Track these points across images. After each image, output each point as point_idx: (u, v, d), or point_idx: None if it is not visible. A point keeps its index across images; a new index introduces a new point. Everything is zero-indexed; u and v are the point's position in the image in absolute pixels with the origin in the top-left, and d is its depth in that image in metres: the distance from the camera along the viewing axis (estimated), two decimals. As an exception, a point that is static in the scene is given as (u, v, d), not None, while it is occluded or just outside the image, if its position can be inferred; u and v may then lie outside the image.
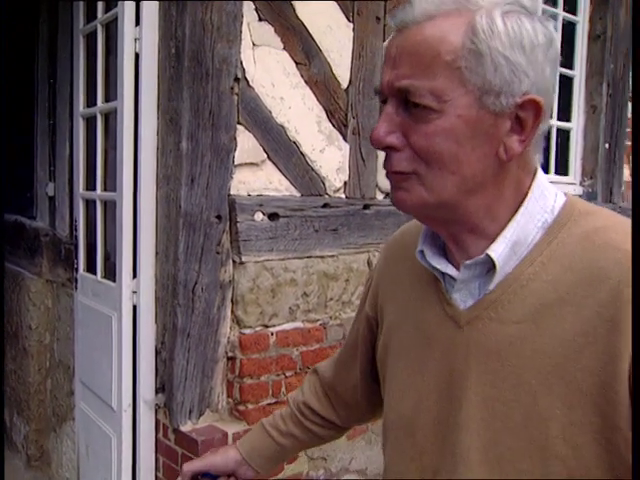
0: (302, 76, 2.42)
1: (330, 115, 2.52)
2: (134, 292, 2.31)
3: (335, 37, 2.49)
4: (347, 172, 2.60)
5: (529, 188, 0.79)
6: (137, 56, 2.23)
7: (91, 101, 2.64)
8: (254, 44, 2.27)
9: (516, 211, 0.79)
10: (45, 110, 3.27)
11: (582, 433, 0.72)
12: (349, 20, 2.53)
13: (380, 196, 2.72)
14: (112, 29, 2.45)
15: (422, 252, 0.86)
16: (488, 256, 0.78)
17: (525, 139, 0.75)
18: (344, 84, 2.55)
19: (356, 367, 1.12)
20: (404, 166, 0.77)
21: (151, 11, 2.20)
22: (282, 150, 2.39)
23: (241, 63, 2.24)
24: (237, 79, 2.23)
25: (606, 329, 0.71)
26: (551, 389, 0.73)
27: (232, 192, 2.26)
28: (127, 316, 2.32)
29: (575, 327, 0.73)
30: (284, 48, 2.35)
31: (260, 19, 2.28)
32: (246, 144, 2.28)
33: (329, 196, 2.54)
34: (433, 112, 0.73)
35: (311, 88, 2.45)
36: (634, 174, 0.86)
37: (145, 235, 2.27)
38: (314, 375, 1.25)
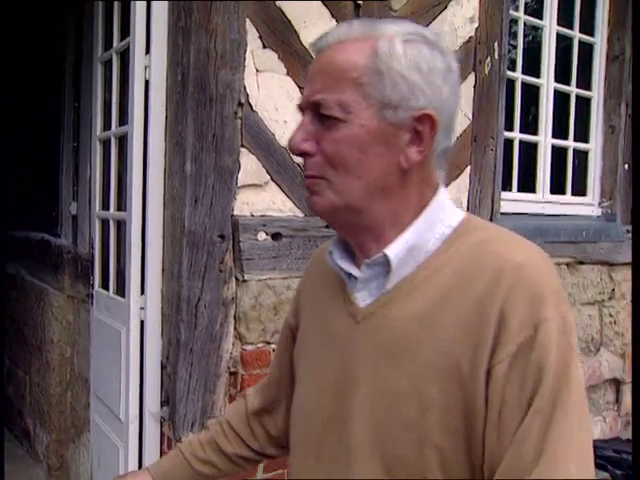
0: (306, 100, 2.49)
1: (334, 137, 2.58)
2: (142, 308, 2.40)
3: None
4: (351, 193, 2.65)
5: (430, 200, 0.89)
6: (147, 83, 2.35)
7: (107, 125, 2.77)
8: (258, 70, 2.36)
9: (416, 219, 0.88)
10: (70, 133, 3.43)
11: (456, 420, 0.79)
12: (353, 46, 2.60)
13: (385, 216, 2.77)
14: (126, 57, 2.58)
15: (331, 253, 0.94)
16: (385, 256, 0.85)
17: (423, 150, 0.85)
18: (348, 107, 2.61)
19: (286, 381, 1.14)
20: (316, 170, 0.87)
21: (160, 39, 2.31)
22: (285, 172, 2.46)
23: (244, 88, 2.33)
24: (240, 104, 2.32)
25: (478, 321, 0.79)
26: (432, 380, 0.81)
27: (235, 212, 2.34)
28: (135, 331, 2.41)
29: (455, 322, 0.81)
30: (287, 73, 2.44)
31: (264, 46, 2.37)
32: (249, 166, 2.36)
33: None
34: (340, 122, 0.84)
35: (315, 112, 2.52)
36: (634, 173, 0.91)
37: (152, 253, 2.36)
38: (241, 400, 1.27)
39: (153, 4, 2.29)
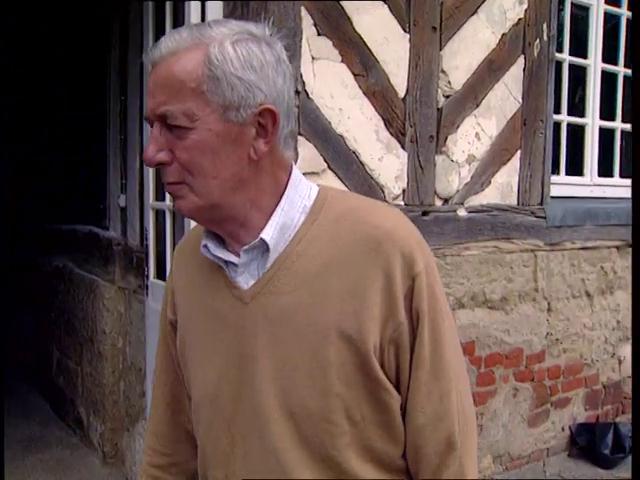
0: (360, 87, 2.49)
1: (388, 124, 2.58)
2: (201, 297, 2.42)
3: (392, 48, 2.55)
4: (405, 180, 2.65)
5: (287, 181, 0.95)
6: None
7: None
8: (313, 58, 2.36)
9: (278, 201, 0.94)
10: (117, 126, 3.46)
11: (352, 373, 0.90)
12: (405, 31, 2.58)
13: (439, 202, 2.76)
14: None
15: (206, 246, 0.97)
16: (262, 240, 0.92)
17: (269, 141, 0.91)
18: (401, 93, 2.60)
19: (178, 378, 1.12)
20: (175, 177, 0.91)
21: (216, 30, 2.32)
22: (341, 159, 2.46)
23: (301, 76, 2.33)
24: (297, 92, 2.31)
25: (360, 284, 0.90)
26: (327, 339, 0.90)
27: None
28: (195, 320, 2.43)
29: (340, 289, 0.90)
30: (342, 60, 2.43)
31: (319, 34, 2.37)
32: (307, 154, 2.37)
33: (388, 203, 2.60)
34: (188, 130, 0.87)
35: (369, 98, 2.52)
36: (634, 173, 0.93)
37: (211, 243, 2.38)
38: (147, 439, 1.20)
39: (208, 4, 2.30)
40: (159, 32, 2.77)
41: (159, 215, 2.87)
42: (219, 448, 1.01)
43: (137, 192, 3.22)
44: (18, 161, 4.79)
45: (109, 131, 3.57)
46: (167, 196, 2.72)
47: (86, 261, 3.84)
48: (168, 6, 2.62)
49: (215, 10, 2.31)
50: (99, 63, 3.63)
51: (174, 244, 2.72)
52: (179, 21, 2.54)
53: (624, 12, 3.63)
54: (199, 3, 2.34)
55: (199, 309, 1.03)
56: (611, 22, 3.64)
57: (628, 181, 3.73)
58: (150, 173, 2.88)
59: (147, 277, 2.93)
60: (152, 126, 0.92)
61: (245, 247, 0.94)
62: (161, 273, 2.84)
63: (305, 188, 0.97)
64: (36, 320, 4.77)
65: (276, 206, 0.94)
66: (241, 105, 0.88)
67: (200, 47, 0.87)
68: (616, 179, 3.71)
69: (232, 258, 0.96)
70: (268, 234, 0.92)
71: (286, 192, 0.94)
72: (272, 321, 0.93)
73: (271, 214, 0.93)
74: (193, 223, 2.46)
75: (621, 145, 3.73)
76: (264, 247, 0.93)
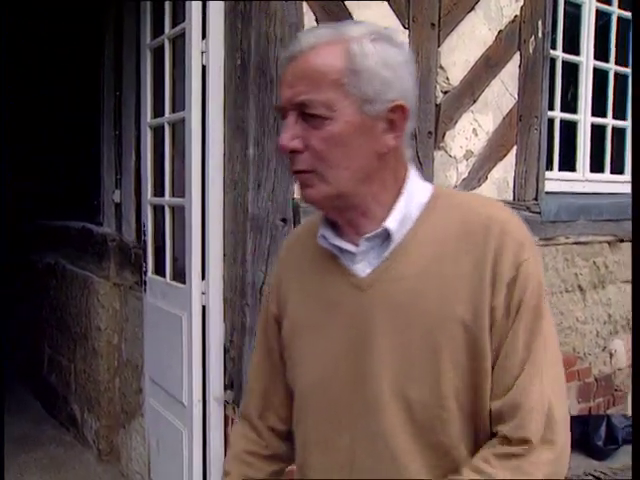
0: (360, 82, 2.49)
1: (387, 119, 2.58)
2: (203, 293, 2.42)
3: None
4: (405, 175, 2.66)
5: (405, 177, 1.01)
6: (204, 68, 2.35)
7: (158, 112, 2.78)
8: (315, 53, 2.36)
9: (397, 195, 0.99)
10: (111, 121, 3.44)
11: (463, 358, 0.93)
12: (405, 27, 2.59)
13: (437, 198, 2.78)
14: (178, 43, 2.58)
15: (323, 236, 1.03)
16: (385, 229, 0.97)
17: (398, 136, 0.96)
18: (401, 89, 2.61)
19: (278, 369, 1.15)
20: (306, 165, 0.95)
21: (217, 25, 2.31)
22: (342, 155, 2.46)
23: (303, 72, 2.33)
24: (299, 87, 2.32)
25: (475, 269, 0.93)
26: (443, 325, 0.93)
27: (296, 196, 2.35)
28: (197, 316, 2.43)
29: (454, 274, 0.94)
30: (343, 56, 2.43)
31: (320, 29, 2.37)
32: (308, 149, 2.37)
33: (387, 198, 2.61)
34: (325, 120, 0.93)
35: (369, 94, 2.52)
36: (634, 173, 0.98)
37: (213, 238, 2.38)
38: (239, 423, 1.25)
39: (209, 3, 2.29)
40: (157, 31, 2.76)
41: (157, 211, 2.86)
42: (324, 434, 1.03)
43: (133, 188, 3.20)
44: (14, 160, 4.74)
45: (103, 127, 3.55)
46: (166, 192, 2.71)
47: (80, 257, 3.81)
48: (167, 6, 2.61)
49: (216, 9, 2.30)
50: (93, 60, 3.60)
51: (174, 239, 2.72)
52: (179, 20, 2.53)
53: (615, 10, 3.68)
54: (200, 3, 2.33)
55: (311, 298, 1.06)
56: (602, 20, 3.68)
57: (618, 177, 3.80)
58: (148, 169, 2.87)
59: (145, 273, 2.92)
60: (283, 117, 0.97)
61: (367, 235, 0.98)
62: (160, 269, 2.83)
63: (421, 185, 1.02)
64: (28, 318, 4.72)
65: (395, 200, 0.99)
66: (376, 99, 0.93)
67: (340, 42, 0.93)
68: (607, 175, 3.76)
69: (350, 247, 1.00)
70: (391, 224, 0.97)
71: (405, 188, 1.00)
72: (390, 308, 0.97)
73: (390, 207, 0.98)
74: (196, 219, 2.43)
75: (612, 141, 3.78)
76: (385, 236, 0.98)
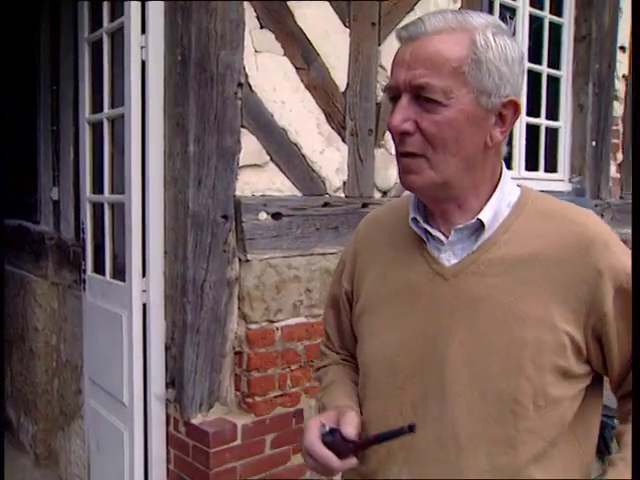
0: (302, 80, 2.51)
1: (329, 118, 2.61)
2: (144, 291, 2.40)
3: (332, 42, 2.59)
4: (346, 172, 2.69)
5: (501, 173, 1.03)
6: (143, 63, 2.32)
7: (97, 107, 2.72)
8: (256, 50, 2.37)
9: (492, 190, 1.01)
10: (48, 116, 3.34)
11: (546, 358, 0.94)
12: (346, 25, 2.63)
13: (378, 195, 2.82)
14: (117, 37, 2.54)
15: (415, 219, 1.05)
16: (479, 221, 0.99)
17: (505, 130, 0.98)
18: (342, 87, 2.64)
19: (350, 342, 1.23)
20: (416, 148, 0.96)
21: (157, 20, 2.29)
22: (284, 152, 2.48)
23: (244, 69, 2.33)
24: (240, 84, 2.32)
25: (568, 277, 0.95)
26: (525, 324, 0.95)
27: (237, 193, 2.35)
28: (137, 314, 2.40)
29: (543, 277, 0.95)
30: (284, 54, 2.45)
31: (261, 26, 2.38)
32: (250, 146, 2.37)
33: (329, 195, 2.64)
34: (441, 105, 0.93)
35: (310, 92, 2.54)
36: (634, 173, 1.04)
37: (154, 236, 2.35)
38: (325, 353, 1.31)
39: (148, 3, 2.26)
40: (96, 25, 2.70)
41: (96, 208, 2.80)
42: (384, 413, 1.04)
43: (71, 185, 3.13)
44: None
45: (39, 122, 3.45)
46: (106, 189, 2.66)
47: (15, 256, 3.70)
48: (105, 2, 2.56)
49: (156, 4, 2.27)
50: (28, 53, 3.49)
51: (114, 237, 2.68)
52: (118, 14, 2.48)
53: (547, 15, 3.81)
54: (139, 3, 2.30)
55: (389, 278, 1.08)
56: (535, 24, 3.81)
57: (552, 175, 3.94)
58: (87, 165, 2.82)
59: (84, 271, 2.86)
60: (392, 99, 0.97)
61: (460, 226, 1.00)
62: (99, 267, 2.78)
63: (511, 184, 1.04)
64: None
65: (490, 195, 1.00)
66: (493, 92, 0.94)
67: (465, 31, 0.94)
68: (541, 173, 3.89)
69: (440, 235, 1.02)
70: (485, 217, 0.98)
71: (500, 183, 1.01)
72: (472, 299, 0.98)
73: (486, 201, 1.00)
74: (136, 217, 2.40)
75: (545, 141, 3.92)
76: (476, 228, 1.00)
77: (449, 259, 1.02)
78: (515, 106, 0.97)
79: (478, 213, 0.99)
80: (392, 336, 1.05)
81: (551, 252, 0.96)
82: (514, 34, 1.01)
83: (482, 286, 0.98)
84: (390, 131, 0.97)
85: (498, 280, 0.97)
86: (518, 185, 1.06)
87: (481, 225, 0.99)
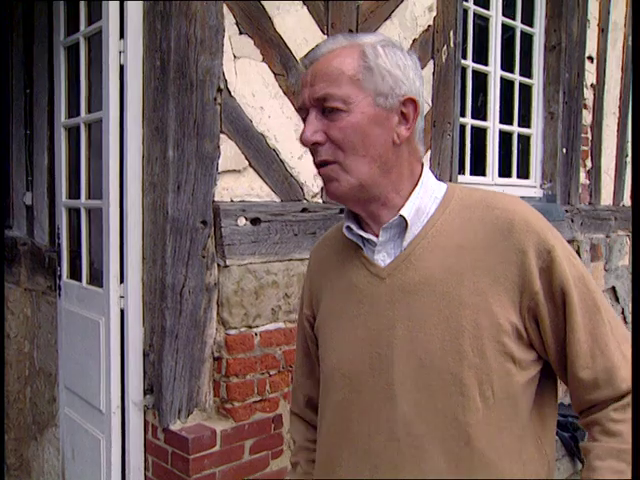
0: (280, 86, 2.53)
1: (307, 123, 2.62)
2: (121, 297, 2.38)
3: (311, 49, 2.60)
4: (324, 178, 2.70)
5: (421, 171, 1.09)
6: (122, 68, 2.31)
7: (73, 112, 2.70)
8: (235, 56, 2.37)
9: (414, 187, 1.07)
10: (21, 120, 3.30)
11: (487, 345, 0.97)
12: (324, 33, 2.65)
13: (355, 200, 2.84)
14: (94, 42, 2.52)
15: (348, 227, 1.11)
16: (401, 217, 1.04)
17: (410, 127, 1.05)
18: (320, 94, 2.66)
19: (313, 375, 1.26)
20: (328, 155, 1.03)
21: (136, 25, 2.28)
22: (262, 157, 2.49)
23: (223, 74, 2.33)
24: (220, 90, 2.32)
25: (494, 261, 0.99)
26: (460, 311, 0.99)
27: (216, 198, 2.35)
28: (115, 320, 2.38)
29: (472, 264, 1.00)
30: (263, 60, 2.46)
31: (240, 32, 2.38)
32: (229, 152, 2.38)
33: (307, 201, 2.65)
34: (343, 112, 1.01)
35: (289, 98, 2.56)
36: (634, 173, 1.07)
37: (132, 241, 2.34)
38: (295, 419, 1.35)
39: (127, 3, 2.25)
40: (72, 28, 2.68)
41: (72, 213, 2.77)
42: (343, 418, 1.07)
43: (46, 190, 3.09)
44: None
45: (12, 126, 3.40)
46: (82, 194, 2.64)
47: (-14, 263, 3.63)
48: (82, 2, 2.54)
49: (134, 8, 2.27)
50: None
51: (90, 243, 2.65)
52: (95, 18, 2.47)
53: (518, 24, 3.89)
54: (117, 2, 2.29)
55: (338, 289, 1.13)
56: (508, 33, 3.89)
57: (524, 181, 4.01)
58: (63, 170, 2.79)
59: (60, 277, 2.82)
60: (304, 115, 1.05)
61: (385, 225, 1.06)
62: (75, 273, 2.75)
63: (435, 182, 1.10)
64: None
65: (412, 191, 1.06)
66: (389, 93, 1.02)
67: (355, 47, 1.03)
68: (514, 179, 3.96)
69: (372, 237, 1.08)
70: (406, 212, 1.04)
71: (421, 180, 1.08)
72: (408, 293, 1.03)
73: (408, 197, 1.06)
74: (114, 222, 2.39)
75: (518, 147, 4.00)
76: (402, 225, 1.05)
77: (384, 260, 1.07)
78: (414, 104, 1.04)
79: (401, 208, 1.05)
80: (344, 344, 1.09)
81: (478, 240, 1.01)
82: (409, 51, 1.09)
83: (415, 279, 1.03)
84: (303, 144, 1.04)
85: (429, 272, 1.02)
86: (445, 182, 1.13)
87: (404, 221, 1.04)
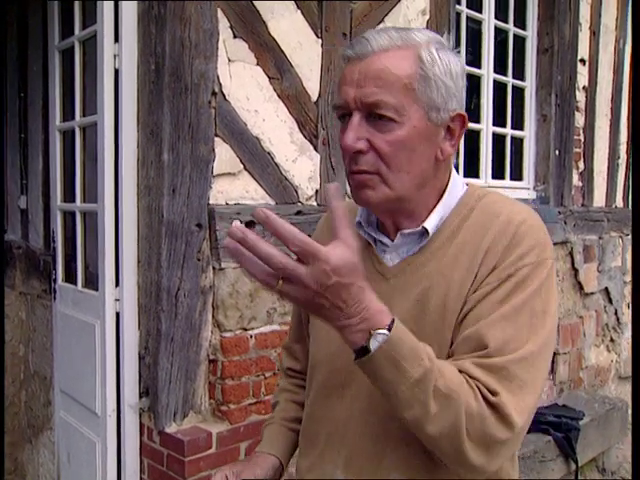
0: (275, 90, 2.54)
1: (301, 127, 2.64)
2: (117, 300, 2.38)
3: (305, 52, 2.62)
4: (318, 181, 2.72)
5: (448, 181, 1.05)
6: (116, 71, 2.32)
7: (67, 115, 2.70)
8: (230, 60, 2.39)
9: (439, 198, 1.03)
10: (15, 124, 3.30)
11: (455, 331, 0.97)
12: (318, 36, 2.66)
13: (349, 203, 2.86)
14: (88, 45, 2.53)
15: (359, 223, 1.08)
16: (424, 228, 1.02)
17: (454, 144, 1.01)
18: (314, 97, 2.68)
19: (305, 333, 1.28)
20: (369, 165, 0.96)
21: (130, 28, 2.29)
22: (257, 160, 2.50)
23: (218, 78, 2.34)
24: (214, 93, 2.33)
25: (475, 262, 0.97)
26: (451, 319, 0.97)
27: (211, 201, 2.36)
28: (110, 323, 2.39)
29: (462, 267, 0.98)
30: (258, 63, 2.47)
31: (235, 36, 2.40)
32: (224, 155, 2.39)
33: (302, 204, 2.66)
34: (394, 123, 0.94)
35: (283, 101, 2.57)
36: (634, 173, 1.07)
37: (127, 244, 2.34)
38: (285, 351, 1.38)
39: (121, 3, 2.26)
40: (66, 32, 2.69)
41: (67, 217, 2.78)
42: (328, 408, 1.07)
43: (40, 193, 3.10)
44: None
45: (6, 129, 3.40)
46: (77, 197, 2.64)
47: (-20, 266, 3.63)
48: (77, 6, 2.55)
49: (129, 12, 2.28)
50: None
51: (85, 246, 2.65)
52: (89, 21, 2.48)
53: (511, 27, 3.91)
54: (112, 3, 2.30)
55: None
56: (500, 36, 3.91)
57: (517, 183, 4.03)
58: (57, 174, 2.79)
59: (55, 281, 2.82)
60: (341, 117, 0.98)
61: (406, 231, 1.03)
62: (71, 276, 2.75)
63: (459, 186, 1.06)
64: None
65: (438, 201, 1.03)
66: (441, 107, 0.96)
67: (410, 48, 0.95)
68: (507, 181, 3.99)
69: (384, 239, 1.06)
70: (430, 225, 1.01)
71: (447, 190, 1.03)
72: (408, 298, 1.01)
73: (433, 208, 1.02)
74: (109, 225, 2.38)
75: (511, 149, 4.02)
76: (417, 235, 1.02)
77: (392, 260, 1.05)
78: (462, 119, 0.99)
79: (425, 220, 1.02)
80: (332, 337, 1.07)
81: (474, 241, 0.99)
82: (458, 49, 1.04)
83: (417, 285, 1.01)
84: (343, 150, 0.97)
85: (431, 278, 1.00)
86: (467, 184, 1.09)
87: (425, 232, 1.02)
